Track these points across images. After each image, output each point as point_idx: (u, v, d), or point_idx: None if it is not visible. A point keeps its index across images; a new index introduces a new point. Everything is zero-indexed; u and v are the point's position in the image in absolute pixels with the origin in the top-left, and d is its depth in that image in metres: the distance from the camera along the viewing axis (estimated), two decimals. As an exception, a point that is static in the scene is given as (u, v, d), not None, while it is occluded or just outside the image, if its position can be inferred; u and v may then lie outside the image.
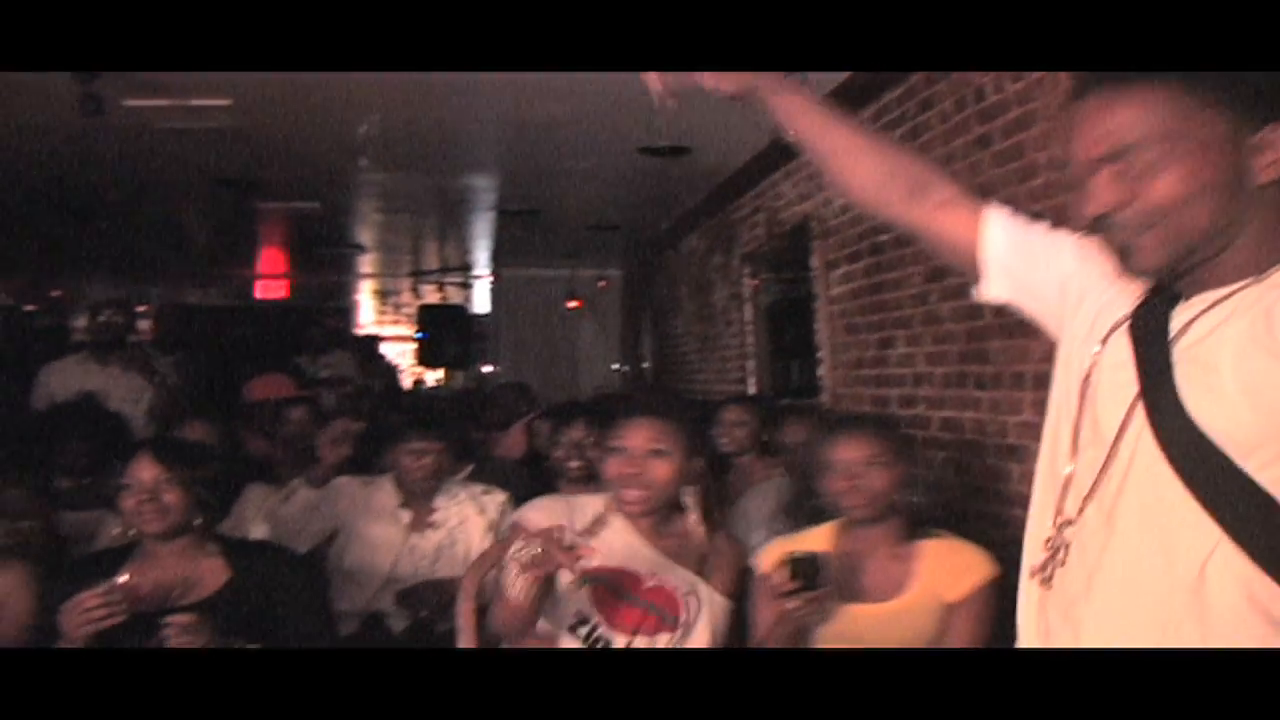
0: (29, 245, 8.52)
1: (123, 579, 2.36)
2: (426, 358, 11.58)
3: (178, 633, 2.28)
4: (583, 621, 2.43)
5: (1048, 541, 1.39)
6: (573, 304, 10.13)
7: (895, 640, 2.50)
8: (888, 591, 2.51)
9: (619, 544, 2.49)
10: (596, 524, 2.51)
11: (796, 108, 1.58)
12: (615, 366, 10.59)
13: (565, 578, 2.40)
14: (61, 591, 2.42)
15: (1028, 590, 1.44)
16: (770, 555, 2.55)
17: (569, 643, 2.44)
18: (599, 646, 2.42)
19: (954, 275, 3.59)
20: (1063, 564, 1.37)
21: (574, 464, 3.50)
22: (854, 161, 1.57)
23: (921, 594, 2.50)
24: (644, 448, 2.47)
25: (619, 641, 2.42)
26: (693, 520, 2.54)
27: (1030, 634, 1.43)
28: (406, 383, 11.80)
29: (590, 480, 3.42)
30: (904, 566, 2.52)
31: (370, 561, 3.30)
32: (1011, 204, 1.55)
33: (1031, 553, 1.44)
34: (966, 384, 3.56)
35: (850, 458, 2.52)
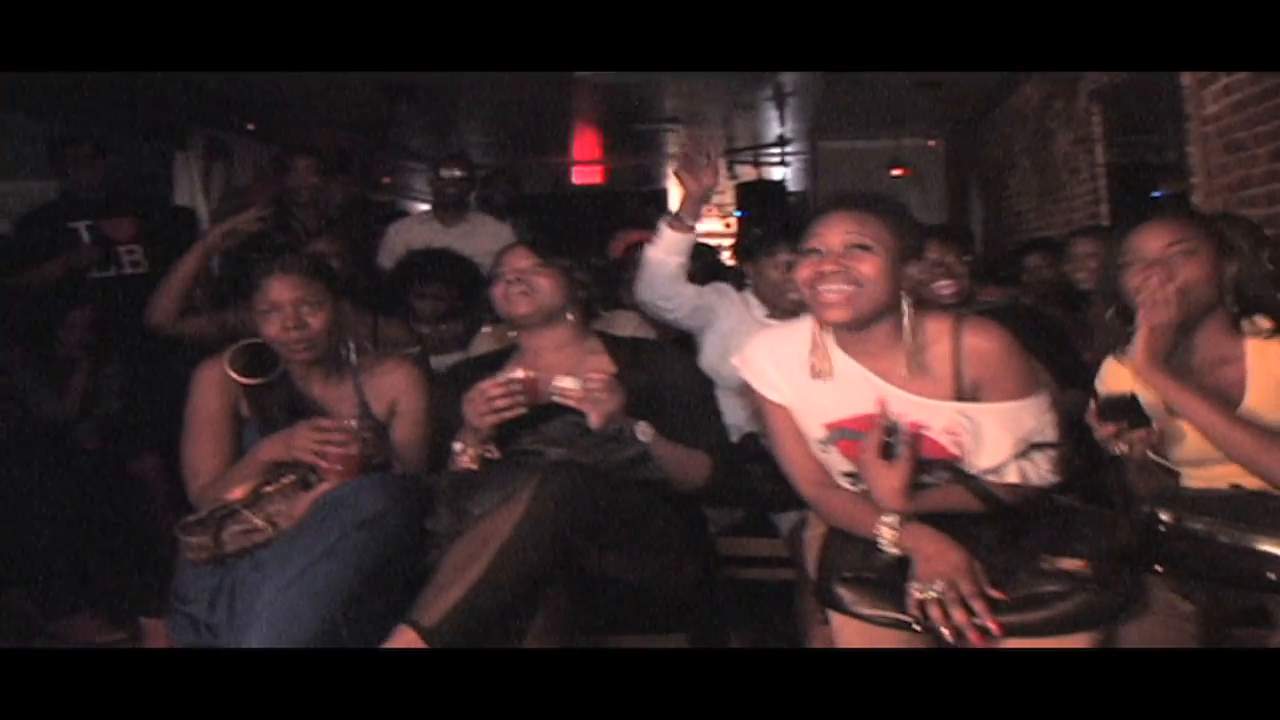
0: (359, 136, 8.91)
1: (519, 372, 2.38)
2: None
3: (597, 387, 2.30)
4: (855, 478, 2.16)
5: None
6: (897, 172, 9.71)
7: None
8: (1228, 399, 2.16)
9: (843, 375, 2.15)
10: (811, 349, 2.17)
11: None
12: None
13: (811, 437, 2.20)
14: (452, 392, 2.48)
15: None
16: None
17: None
18: None
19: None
20: None
21: (944, 284, 3.26)
22: None
23: (1263, 393, 2.15)
24: (843, 242, 2.09)
25: None
26: (930, 333, 2.14)
27: None
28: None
29: (964, 303, 3.21)
30: (1236, 369, 2.18)
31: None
32: None
33: None
34: (1395, 181, 3.13)
35: (1148, 248, 2.20)
